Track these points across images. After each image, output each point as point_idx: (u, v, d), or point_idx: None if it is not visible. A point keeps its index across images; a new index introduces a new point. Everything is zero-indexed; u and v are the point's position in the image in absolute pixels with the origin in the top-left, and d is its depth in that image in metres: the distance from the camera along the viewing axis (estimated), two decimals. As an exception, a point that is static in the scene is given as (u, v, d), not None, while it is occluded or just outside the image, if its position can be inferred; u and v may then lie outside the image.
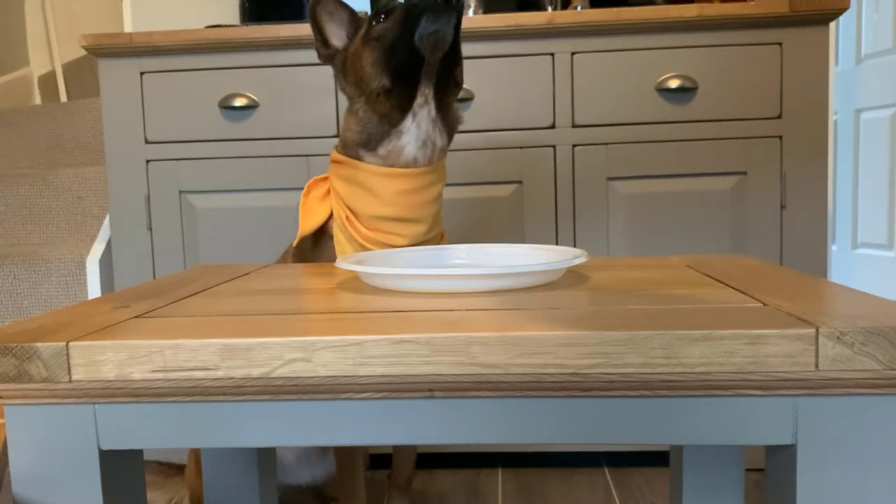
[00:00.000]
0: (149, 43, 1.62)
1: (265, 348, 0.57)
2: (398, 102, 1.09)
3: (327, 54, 1.18)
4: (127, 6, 2.27)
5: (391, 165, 1.11)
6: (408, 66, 1.06)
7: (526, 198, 1.64)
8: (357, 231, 1.12)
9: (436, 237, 1.18)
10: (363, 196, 1.11)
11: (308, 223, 1.16)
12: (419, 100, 1.09)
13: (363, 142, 1.12)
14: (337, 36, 1.17)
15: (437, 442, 0.59)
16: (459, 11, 1.06)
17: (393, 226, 1.11)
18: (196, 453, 1.30)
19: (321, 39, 1.17)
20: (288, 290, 0.80)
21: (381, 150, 1.11)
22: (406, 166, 1.11)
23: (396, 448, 1.38)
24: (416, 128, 1.10)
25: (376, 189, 1.10)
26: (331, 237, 1.16)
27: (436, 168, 1.13)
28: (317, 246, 1.19)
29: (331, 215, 1.16)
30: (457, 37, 1.08)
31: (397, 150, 1.10)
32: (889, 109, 3.08)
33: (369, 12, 1.14)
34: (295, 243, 1.18)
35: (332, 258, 1.16)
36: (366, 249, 1.12)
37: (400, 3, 1.09)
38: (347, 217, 1.13)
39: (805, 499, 0.57)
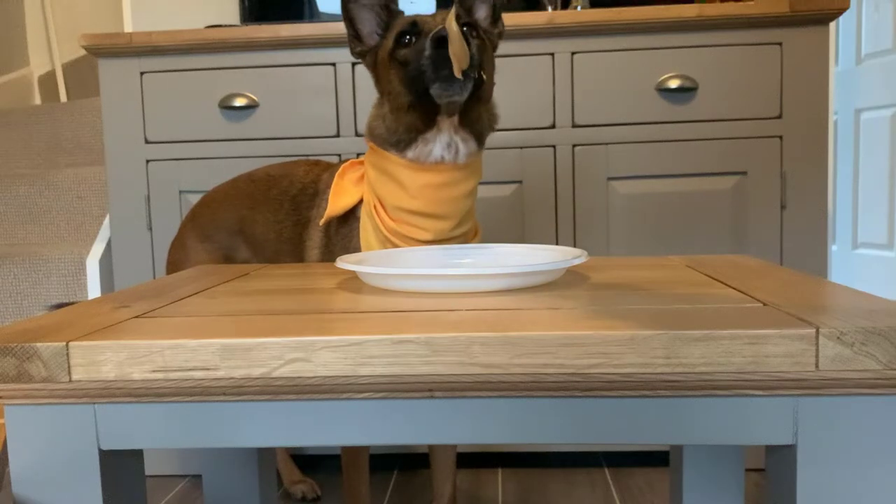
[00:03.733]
0: (149, 43, 1.62)
1: (265, 348, 0.57)
2: (422, 117, 1.09)
3: (360, 51, 1.17)
4: (127, 6, 2.27)
5: (420, 164, 1.11)
6: (428, 98, 1.07)
7: (526, 198, 1.64)
8: (383, 221, 1.12)
9: (468, 233, 1.17)
10: (390, 186, 1.11)
11: (337, 204, 1.16)
12: (442, 115, 1.09)
13: (392, 143, 1.12)
14: (370, 26, 1.16)
15: (437, 442, 0.59)
16: (476, 78, 1.06)
17: (417, 219, 1.11)
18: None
19: (354, 34, 1.16)
20: (288, 290, 0.80)
21: (410, 154, 1.11)
22: (435, 163, 1.10)
23: (434, 465, 1.36)
24: (440, 135, 1.10)
25: (403, 180, 1.10)
26: (359, 219, 1.16)
27: (467, 165, 1.12)
28: (343, 226, 1.19)
29: (361, 199, 1.16)
30: (480, 71, 1.08)
31: (425, 153, 1.10)
32: (889, 109, 3.08)
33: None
34: (321, 223, 1.18)
35: (356, 242, 1.16)
36: (390, 242, 1.12)
37: (421, 37, 1.08)
38: (375, 206, 1.13)
39: (805, 499, 0.57)
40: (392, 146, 1.11)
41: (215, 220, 1.37)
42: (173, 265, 1.41)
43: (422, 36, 1.08)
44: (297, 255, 1.26)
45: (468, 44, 1.02)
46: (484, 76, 1.09)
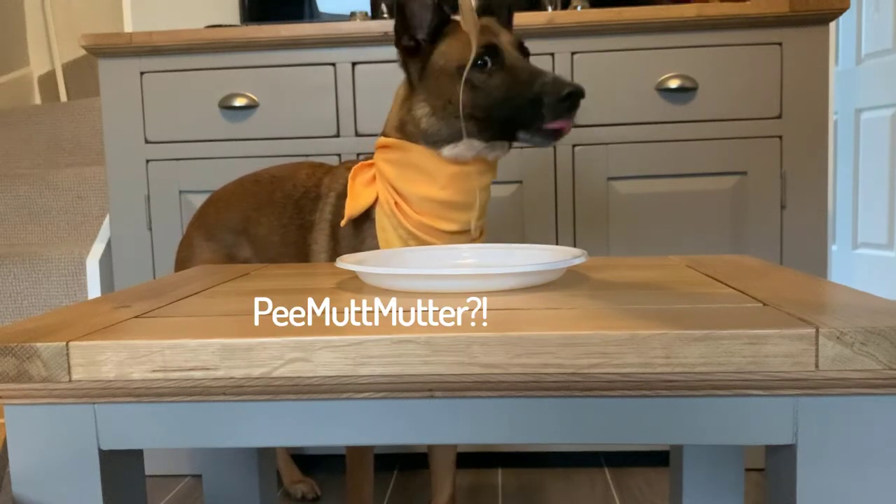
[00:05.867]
0: (149, 43, 1.62)
1: (265, 348, 0.57)
2: (480, 133, 1.12)
3: (407, 45, 1.14)
4: (127, 6, 2.27)
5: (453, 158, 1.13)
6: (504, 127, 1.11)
7: (526, 198, 1.64)
8: (406, 216, 1.13)
9: (480, 227, 1.20)
10: (416, 178, 1.13)
11: (355, 206, 1.18)
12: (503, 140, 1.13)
13: (430, 142, 1.13)
14: (420, 23, 1.14)
15: (436, 442, 0.59)
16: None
17: (445, 210, 1.13)
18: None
19: (403, 26, 1.13)
20: (288, 290, 0.80)
21: (446, 152, 1.13)
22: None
23: (433, 462, 1.37)
24: (484, 143, 1.13)
25: (432, 171, 1.12)
26: (373, 223, 1.18)
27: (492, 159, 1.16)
28: (358, 230, 1.20)
29: (375, 200, 1.18)
30: None
31: (464, 154, 1.13)
32: (889, 109, 3.08)
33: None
34: (343, 223, 1.20)
35: (369, 243, 1.18)
36: (413, 236, 1.13)
37: (507, 65, 1.09)
38: (396, 203, 1.14)
39: (805, 499, 0.57)
40: (427, 143, 1.13)
41: (220, 219, 1.38)
42: (180, 263, 1.42)
43: (503, 63, 1.09)
44: (300, 258, 1.27)
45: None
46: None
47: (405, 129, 1.15)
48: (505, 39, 1.12)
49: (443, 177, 1.12)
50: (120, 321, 0.65)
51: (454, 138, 1.12)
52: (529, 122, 1.07)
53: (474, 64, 1.09)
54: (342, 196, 1.23)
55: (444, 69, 1.12)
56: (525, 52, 1.14)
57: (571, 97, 1.03)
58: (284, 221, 1.29)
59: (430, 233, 1.13)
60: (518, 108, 1.07)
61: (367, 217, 1.19)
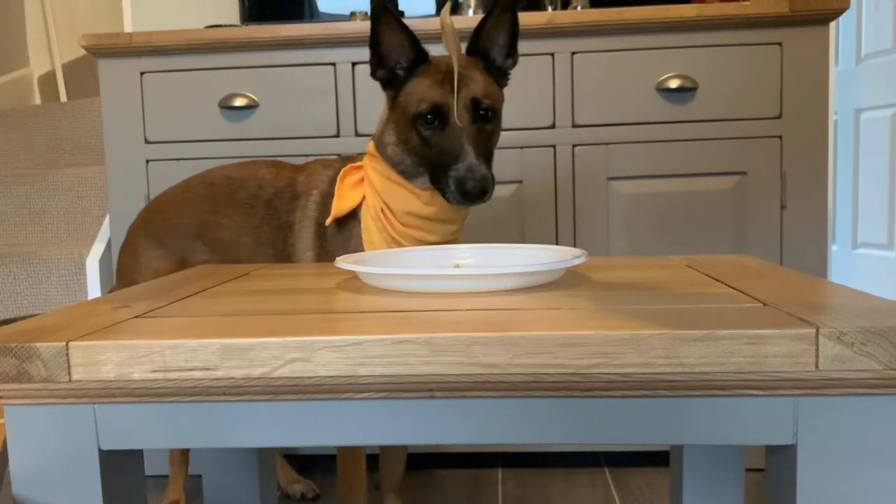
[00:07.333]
0: (149, 43, 1.62)
1: (265, 348, 0.57)
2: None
3: (381, 77, 1.18)
4: (127, 6, 2.27)
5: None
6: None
7: (526, 198, 1.64)
8: (391, 225, 1.17)
9: (457, 234, 1.23)
10: (400, 194, 1.17)
11: (340, 206, 1.20)
12: None
13: (397, 169, 1.17)
14: (394, 55, 1.16)
15: (437, 442, 0.59)
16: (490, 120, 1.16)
17: (429, 224, 1.17)
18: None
19: (377, 57, 1.16)
20: (288, 290, 0.80)
21: (417, 182, 1.17)
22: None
23: (385, 451, 1.39)
24: None
25: (413, 189, 1.17)
26: (358, 222, 1.20)
27: None
28: (344, 228, 1.22)
29: (361, 201, 1.20)
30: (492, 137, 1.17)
31: (428, 185, 1.16)
32: (889, 109, 3.08)
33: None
34: (328, 222, 1.21)
35: (355, 242, 1.20)
36: (397, 243, 1.17)
37: (446, 130, 1.12)
38: (382, 210, 1.18)
39: (805, 499, 0.57)
40: (396, 171, 1.17)
41: (170, 225, 1.35)
42: (125, 273, 1.38)
43: (444, 126, 1.12)
44: (279, 258, 1.27)
45: (488, 163, 1.13)
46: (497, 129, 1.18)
47: (380, 149, 1.19)
48: (465, 94, 1.12)
49: (425, 195, 1.16)
50: (120, 321, 0.65)
51: (420, 173, 1.16)
52: (443, 190, 1.12)
53: (424, 117, 1.13)
54: (328, 195, 1.24)
55: (405, 112, 1.15)
56: (479, 109, 1.14)
57: (468, 195, 1.09)
58: (256, 222, 1.28)
59: (413, 243, 1.17)
60: (436, 175, 1.13)
61: (352, 216, 1.21)
